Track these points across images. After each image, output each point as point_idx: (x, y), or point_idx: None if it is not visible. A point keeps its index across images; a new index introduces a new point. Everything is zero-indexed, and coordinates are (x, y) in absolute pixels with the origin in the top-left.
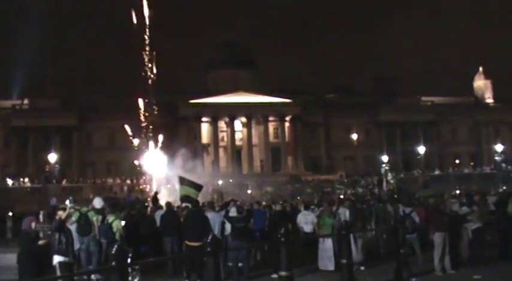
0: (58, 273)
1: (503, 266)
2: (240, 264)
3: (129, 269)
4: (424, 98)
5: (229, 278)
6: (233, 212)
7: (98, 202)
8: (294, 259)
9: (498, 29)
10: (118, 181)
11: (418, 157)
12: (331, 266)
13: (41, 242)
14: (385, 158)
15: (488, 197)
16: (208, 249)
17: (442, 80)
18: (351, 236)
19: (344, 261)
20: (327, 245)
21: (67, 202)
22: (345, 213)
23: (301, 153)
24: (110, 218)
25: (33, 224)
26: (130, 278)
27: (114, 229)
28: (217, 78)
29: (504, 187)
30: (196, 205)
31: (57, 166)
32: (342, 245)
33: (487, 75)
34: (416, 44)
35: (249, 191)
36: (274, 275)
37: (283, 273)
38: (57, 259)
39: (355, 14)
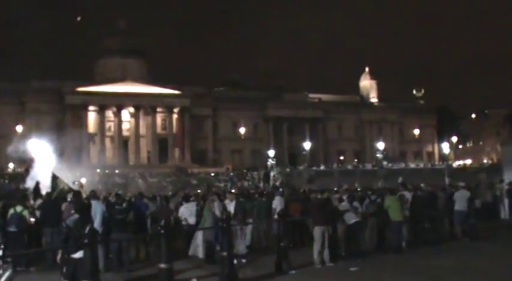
0: None
1: (379, 258)
2: (121, 255)
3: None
4: (311, 95)
5: (110, 271)
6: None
7: None
8: (177, 252)
9: (384, 32)
10: None
11: (304, 152)
12: (200, 254)
13: None
14: (271, 152)
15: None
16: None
17: (329, 79)
18: (233, 229)
19: (225, 254)
20: (198, 235)
21: None
22: (228, 206)
23: (188, 145)
24: None
25: None
26: (0, 271)
27: None
28: (107, 67)
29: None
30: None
31: None
32: (223, 238)
33: (372, 75)
34: (306, 42)
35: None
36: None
37: (162, 265)
38: None
39: (248, 11)
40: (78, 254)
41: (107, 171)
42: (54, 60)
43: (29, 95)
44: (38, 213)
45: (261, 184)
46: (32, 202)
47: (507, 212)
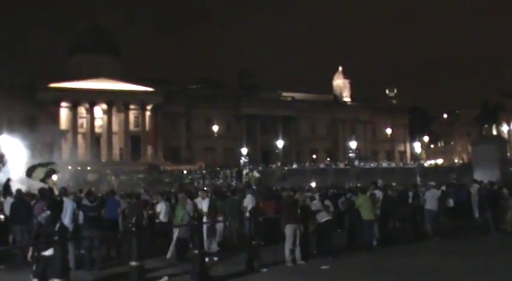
0: None
1: (350, 257)
2: (93, 253)
3: None
4: (285, 94)
5: (81, 268)
6: (85, 200)
7: None
8: (150, 249)
9: (358, 32)
10: None
11: (277, 151)
12: (169, 253)
13: None
14: (244, 150)
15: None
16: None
17: (303, 78)
18: (204, 227)
19: (196, 252)
20: (174, 236)
21: None
22: (200, 204)
23: (161, 143)
24: None
25: None
26: None
27: None
28: (80, 63)
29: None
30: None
31: None
32: (194, 236)
33: (345, 75)
34: (281, 41)
35: (108, 179)
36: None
37: (133, 263)
38: None
39: (222, 10)
40: (49, 252)
41: (78, 168)
42: (26, 56)
43: (0, 91)
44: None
45: (234, 182)
46: (1, 199)
47: (477, 212)
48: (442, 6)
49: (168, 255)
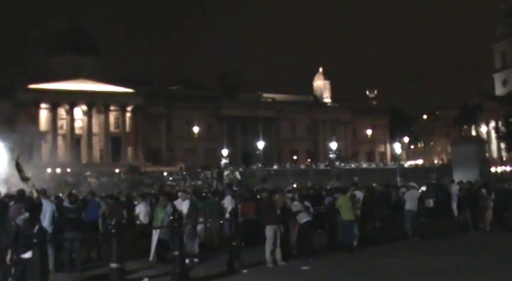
0: None
1: (330, 257)
2: (73, 255)
3: None
4: (265, 95)
5: (61, 271)
6: (66, 202)
7: None
8: (131, 251)
9: (338, 33)
10: None
11: (258, 152)
12: (151, 255)
13: None
14: (225, 151)
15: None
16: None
17: (283, 79)
18: (185, 228)
19: (176, 253)
20: (154, 238)
21: None
22: (181, 205)
23: (141, 144)
24: None
25: None
26: None
27: None
28: (60, 64)
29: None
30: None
31: None
32: (174, 237)
33: (326, 76)
34: (261, 42)
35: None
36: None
37: (113, 265)
38: None
39: (203, 10)
40: (28, 255)
41: (58, 170)
42: (5, 57)
43: None
44: None
45: (214, 183)
46: None
47: (456, 211)
48: (422, 8)
49: (151, 257)
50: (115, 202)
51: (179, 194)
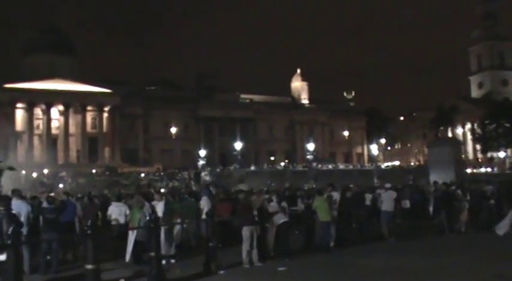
0: None
1: (307, 258)
2: (48, 257)
3: None
4: (243, 96)
5: (36, 272)
6: (45, 203)
7: None
8: (107, 252)
9: (316, 35)
10: None
11: (235, 153)
12: (127, 256)
13: None
14: (202, 152)
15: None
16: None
17: (261, 80)
18: (162, 229)
19: (152, 254)
20: (130, 238)
21: None
22: (156, 206)
23: (118, 144)
24: None
25: None
26: None
27: None
28: (35, 63)
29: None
30: None
31: None
32: (151, 238)
33: (304, 77)
34: (239, 43)
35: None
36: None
37: (89, 266)
38: None
39: (181, 11)
40: (2, 257)
41: (34, 170)
42: None
43: None
44: None
45: (192, 184)
46: None
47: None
48: (398, 10)
49: (127, 258)
50: (89, 202)
51: (155, 195)
